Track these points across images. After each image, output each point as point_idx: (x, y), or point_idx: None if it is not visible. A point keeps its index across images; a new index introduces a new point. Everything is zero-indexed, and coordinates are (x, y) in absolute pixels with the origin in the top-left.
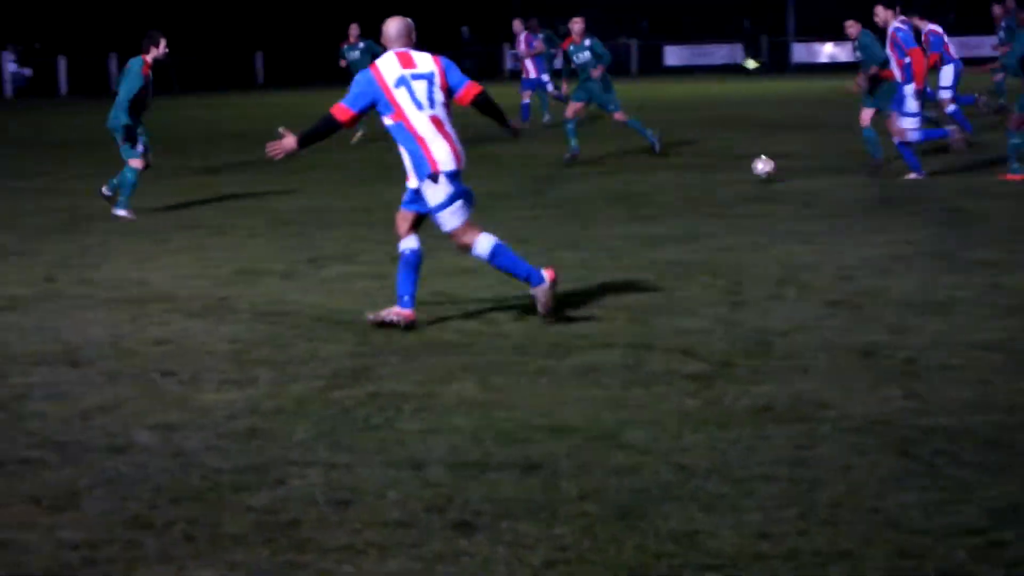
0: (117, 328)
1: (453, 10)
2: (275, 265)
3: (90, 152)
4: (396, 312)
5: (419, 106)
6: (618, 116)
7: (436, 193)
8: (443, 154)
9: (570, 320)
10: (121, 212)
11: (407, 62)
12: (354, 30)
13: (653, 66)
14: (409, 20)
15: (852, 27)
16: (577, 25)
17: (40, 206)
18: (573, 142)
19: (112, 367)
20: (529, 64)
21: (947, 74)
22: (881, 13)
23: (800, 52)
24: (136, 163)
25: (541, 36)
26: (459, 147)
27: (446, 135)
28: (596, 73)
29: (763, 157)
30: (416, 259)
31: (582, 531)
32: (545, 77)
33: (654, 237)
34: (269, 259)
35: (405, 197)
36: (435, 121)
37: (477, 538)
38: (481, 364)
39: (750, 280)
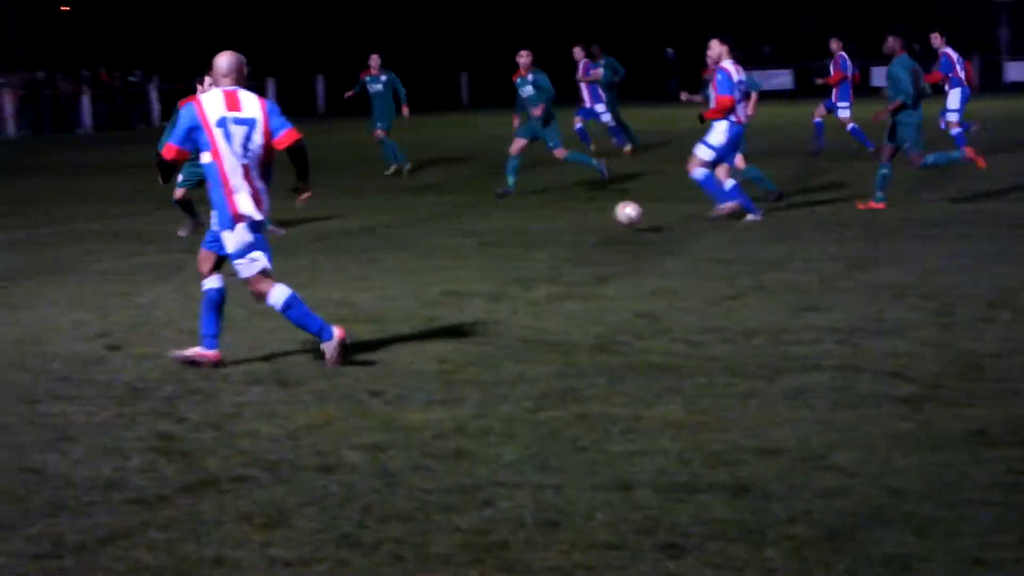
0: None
1: (658, 31)
2: (482, 286)
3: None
4: (198, 353)
5: (233, 152)
6: (558, 153)
7: (233, 241)
8: (246, 204)
9: (779, 342)
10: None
11: (232, 104)
12: (375, 61)
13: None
14: (240, 56)
15: None
16: (523, 59)
17: None
18: (511, 179)
19: (321, 387)
20: (585, 92)
21: (954, 97)
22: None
23: (1014, 71)
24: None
25: (602, 63)
26: (264, 197)
27: (253, 185)
28: (536, 112)
29: (630, 203)
30: (219, 298)
31: (791, 554)
32: (600, 107)
33: (862, 259)
34: (476, 280)
35: (207, 236)
36: (246, 169)
37: (686, 560)
38: (688, 386)
39: (960, 301)
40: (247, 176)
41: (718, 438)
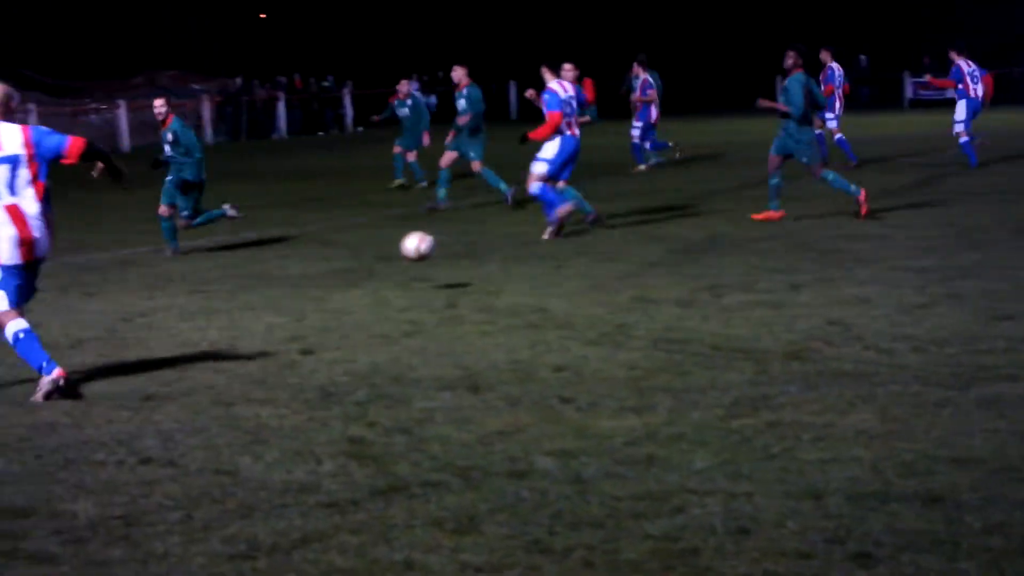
0: (516, 354)
1: (851, 38)
2: (673, 293)
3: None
4: (47, 382)
5: None
6: (475, 166)
7: None
8: (4, 245)
9: (972, 351)
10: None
11: None
12: (403, 86)
13: None
14: (7, 88)
15: None
16: (456, 72)
17: (446, 230)
18: (442, 192)
19: (512, 392)
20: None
21: (960, 108)
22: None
23: None
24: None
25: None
26: (36, 235)
27: (20, 224)
28: (462, 120)
29: (420, 234)
30: (29, 334)
31: (987, 566)
32: (636, 123)
33: None
34: (667, 287)
35: None
36: (10, 210)
37: (878, 570)
38: (880, 394)
39: None
40: (15, 216)
41: (911, 447)
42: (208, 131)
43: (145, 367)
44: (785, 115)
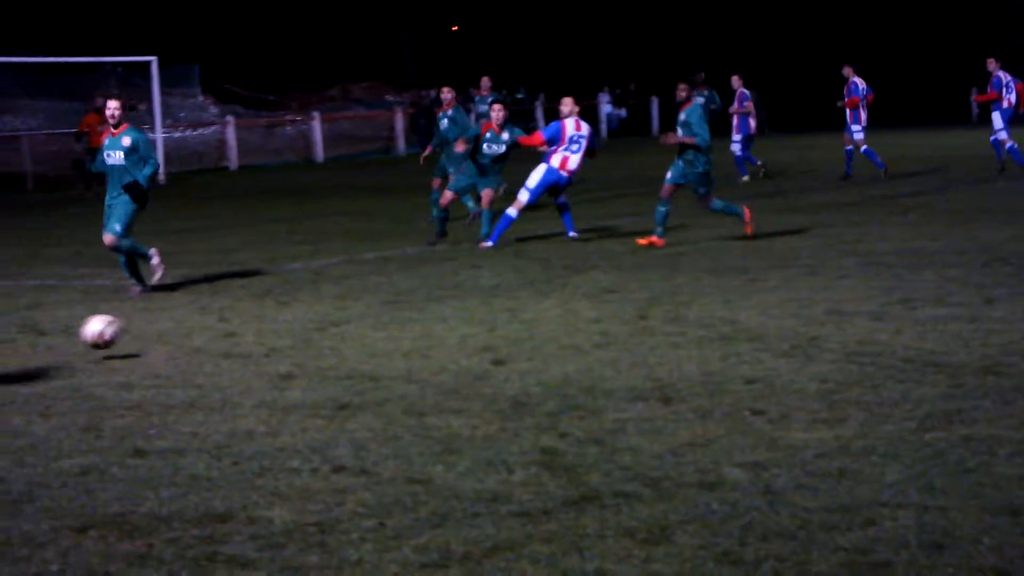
0: (708, 365)
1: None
2: (866, 305)
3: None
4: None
5: None
6: (447, 194)
7: None
8: None
9: None
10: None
11: None
12: (447, 94)
13: None
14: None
15: None
16: (445, 95)
17: (635, 247)
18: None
19: (703, 404)
20: (735, 120)
21: (997, 118)
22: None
23: None
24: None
25: (705, 94)
26: None
27: None
28: (459, 147)
29: (103, 318)
30: None
31: None
32: (736, 137)
33: None
34: (860, 299)
35: None
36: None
37: None
38: None
39: None
40: None
41: None
42: (401, 143)
43: (339, 376)
44: (693, 147)
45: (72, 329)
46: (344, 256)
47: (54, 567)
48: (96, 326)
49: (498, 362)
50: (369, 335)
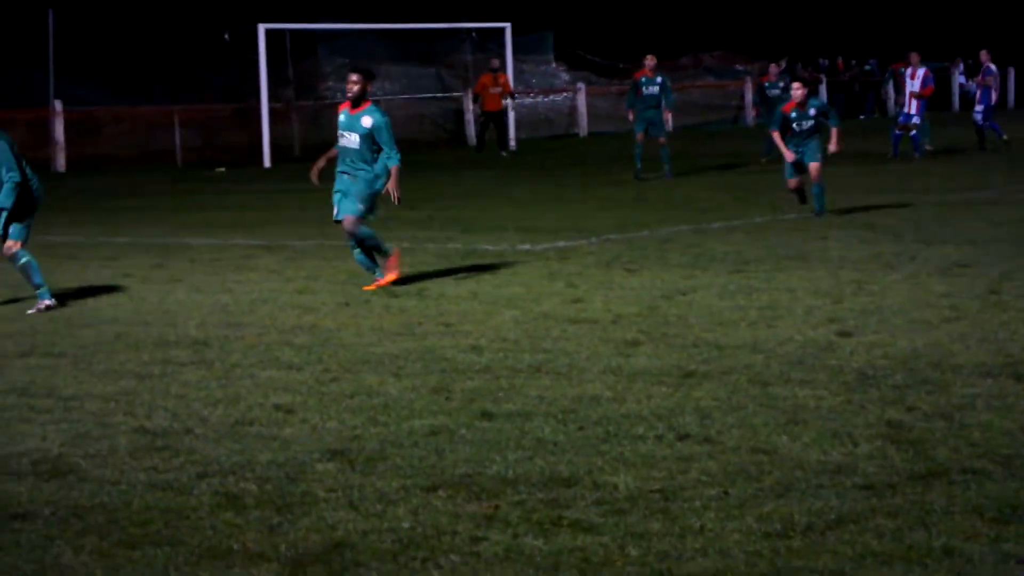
0: None
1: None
2: None
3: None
4: None
5: None
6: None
7: None
8: None
9: None
10: None
11: None
12: (650, 62)
13: None
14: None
15: None
16: (650, 62)
17: (988, 220)
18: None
19: None
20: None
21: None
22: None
23: None
24: None
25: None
26: None
27: None
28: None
29: None
30: None
31: None
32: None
33: None
34: None
35: None
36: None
37: None
38: None
39: None
40: None
41: None
42: (749, 113)
43: (685, 344)
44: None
45: (424, 292)
46: (691, 224)
47: (405, 524)
48: None
49: (844, 334)
50: (715, 304)
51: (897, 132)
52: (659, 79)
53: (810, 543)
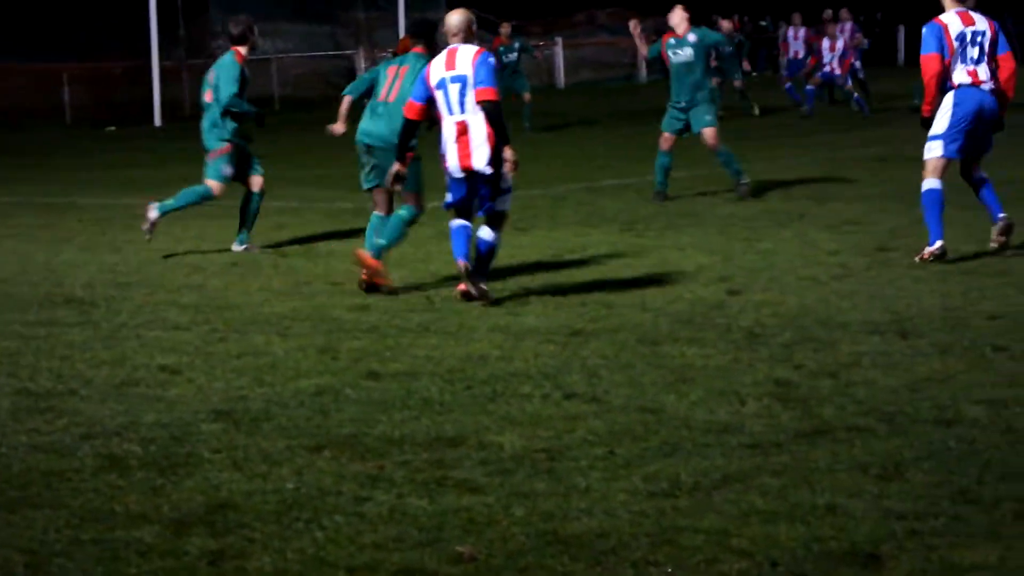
0: (948, 300)
1: None
2: None
3: None
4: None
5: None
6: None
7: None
8: (450, 157)
9: None
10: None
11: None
12: (505, 29)
13: None
14: (471, 13)
15: None
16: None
17: (878, 177)
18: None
19: (942, 339)
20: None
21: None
22: None
23: None
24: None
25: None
26: (474, 150)
27: (463, 139)
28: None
29: None
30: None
31: None
32: None
33: None
34: None
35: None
36: (459, 126)
37: None
38: None
39: None
40: (460, 132)
41: None
42: (643, 70)
43: (573, 303)
44: None
45: (312, 252)
46: (584, 183)
47: (289, 484)
48: None
49: (734, 292)
50: (605, 262)
51: (809, 87)
52: (516, 44)
53: (696, 502)
